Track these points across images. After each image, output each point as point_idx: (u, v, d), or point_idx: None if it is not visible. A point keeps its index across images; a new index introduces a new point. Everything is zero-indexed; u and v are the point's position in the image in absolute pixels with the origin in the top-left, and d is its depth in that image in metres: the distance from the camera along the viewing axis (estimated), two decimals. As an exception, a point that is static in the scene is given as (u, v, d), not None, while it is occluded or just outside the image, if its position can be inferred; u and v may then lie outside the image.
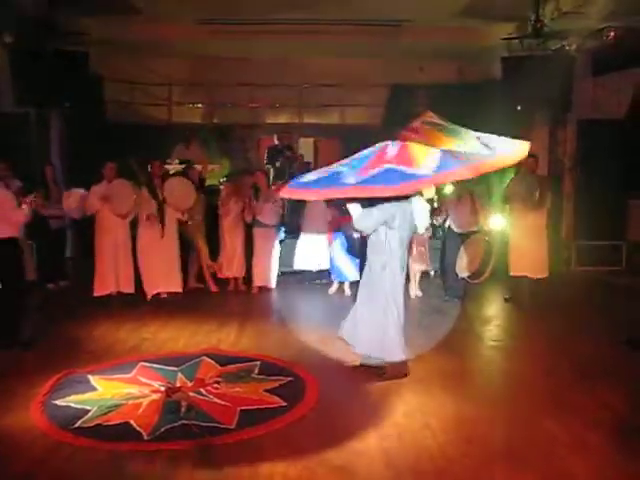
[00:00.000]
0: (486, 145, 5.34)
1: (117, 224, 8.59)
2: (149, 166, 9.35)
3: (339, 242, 9.57)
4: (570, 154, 12.11)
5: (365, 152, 5.74)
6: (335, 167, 5.75)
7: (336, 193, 5.73)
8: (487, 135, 5.54)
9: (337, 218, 9.51)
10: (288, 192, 6.02)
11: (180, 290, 9.28)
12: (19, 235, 7.13)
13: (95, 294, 8.69)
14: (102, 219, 8.66)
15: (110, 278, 8.69)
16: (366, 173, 5.40)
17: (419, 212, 6.12)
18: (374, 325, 5.99)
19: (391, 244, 5.92)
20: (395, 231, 5.90)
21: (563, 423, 5.04)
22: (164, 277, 9.13)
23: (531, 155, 8.80)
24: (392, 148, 5.59)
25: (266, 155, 13.24)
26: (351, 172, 5.52)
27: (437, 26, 11.09)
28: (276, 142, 13.27)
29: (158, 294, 9.15)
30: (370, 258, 6.07)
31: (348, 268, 9.57)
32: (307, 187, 5.73)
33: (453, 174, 5.35)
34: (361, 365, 6.25)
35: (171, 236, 9.14)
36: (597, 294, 9.88)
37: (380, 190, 5.32)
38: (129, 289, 8.83)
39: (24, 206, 6.89)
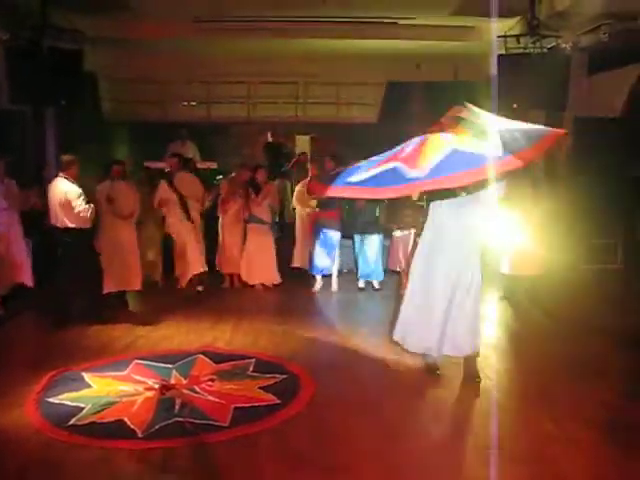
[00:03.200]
0: (504, 143, 5.21)
1: (121, 224, 8.51)
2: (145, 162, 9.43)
3: (317, 236, 9.67)
4: (567, 152, 12.09)
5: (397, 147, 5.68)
6: (361, 163, 5.75)
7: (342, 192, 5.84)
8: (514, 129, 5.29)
9: (315, 212, 9.58)
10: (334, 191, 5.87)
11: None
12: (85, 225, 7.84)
13: (104, 292, 8.46)
14: (105, 219, 8.47)
15: (118, 277, 8.51)
16: (371, 171, 5.47)
17: None
18: (472, 320, 5.88)
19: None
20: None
21: (557, 421, 5.06)
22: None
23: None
24: (412, 144, 5.55)
25: (263, 152, 13.24)
26: (364, 168, 5.59)
27: (433, 24, 11.08)
28: (270, 139, 13.28)
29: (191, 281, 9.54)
30: (451, 256, 5.82)
31: (325, 262, 9.71)
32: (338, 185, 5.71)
33: (446, 180, 5.24)
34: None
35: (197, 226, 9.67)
36: (595, 293, 9.87)
37: (374, 192, 5.56)
38: (137, 286, 8.71)
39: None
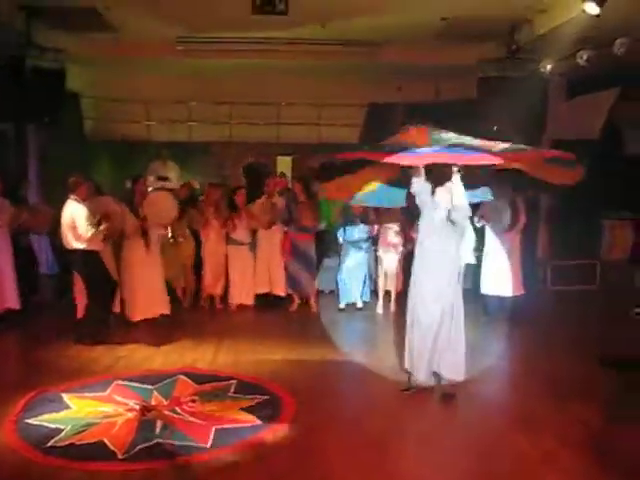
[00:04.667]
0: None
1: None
2: (129, 183, 9.37)
3: (295, 257, 9.68)
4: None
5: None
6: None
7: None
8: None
9: (290, 234, 9.59)
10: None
11: (168, 312, 8.66)
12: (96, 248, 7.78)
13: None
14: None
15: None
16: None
17: None
18: (459, 346, 5.94)
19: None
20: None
21: (535, 439, 5.10)
22: (151, 300, 8.52)
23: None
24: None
25: (243, 173, 13.26)
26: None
27: (415, 46, 11.20)
28: (251, 160, 13.31)
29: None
30: (434, 275, 5.87)
31: (307, 282, 9.76)
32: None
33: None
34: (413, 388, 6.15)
35: (155, 255, 8.64)
36: (571, 313, 9.97)
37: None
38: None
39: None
